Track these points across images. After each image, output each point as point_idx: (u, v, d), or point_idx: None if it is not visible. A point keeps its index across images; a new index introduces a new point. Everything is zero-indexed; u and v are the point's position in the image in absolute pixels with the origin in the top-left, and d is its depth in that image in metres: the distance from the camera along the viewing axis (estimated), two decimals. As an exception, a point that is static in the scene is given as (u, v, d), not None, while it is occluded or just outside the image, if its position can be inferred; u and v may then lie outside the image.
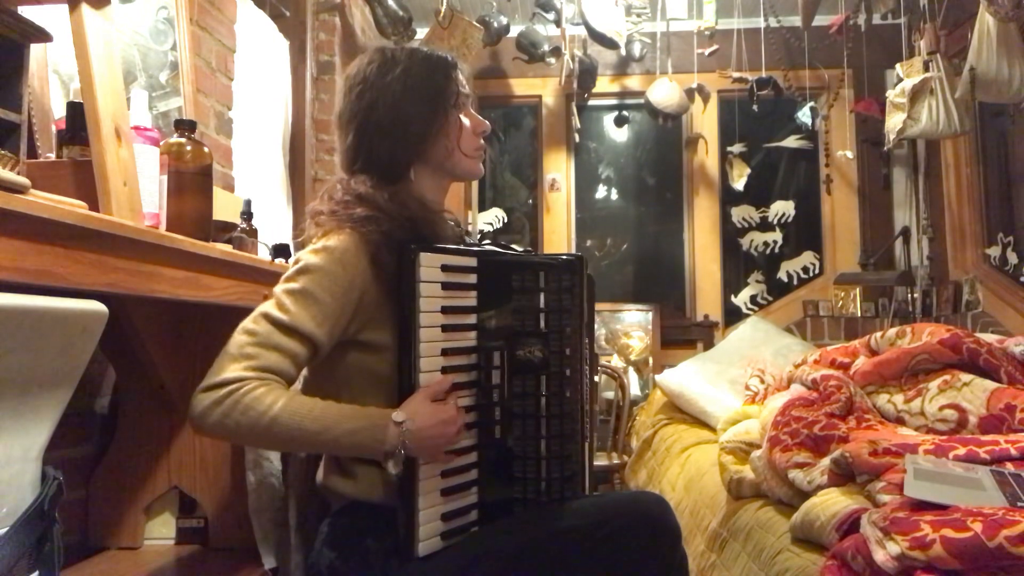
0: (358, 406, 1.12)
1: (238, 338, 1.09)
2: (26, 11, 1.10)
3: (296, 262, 1.16)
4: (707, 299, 4.16)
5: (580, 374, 1.26)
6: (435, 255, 1.15)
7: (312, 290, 1.11)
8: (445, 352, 1.16)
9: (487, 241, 1.46)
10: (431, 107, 1.25)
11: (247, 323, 1.10)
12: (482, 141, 1.36)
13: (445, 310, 1.16)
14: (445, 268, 1.16)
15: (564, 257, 1.25)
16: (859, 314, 3.89)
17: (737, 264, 4.30)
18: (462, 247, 1.26)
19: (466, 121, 1.32)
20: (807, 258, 4.23)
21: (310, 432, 1.06)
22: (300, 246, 1.22)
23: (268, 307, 1.11)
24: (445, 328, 1.16)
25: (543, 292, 1.20)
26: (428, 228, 1.21)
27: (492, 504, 1.20)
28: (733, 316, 4.15)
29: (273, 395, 1.05)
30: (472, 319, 1.20)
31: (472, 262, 1.20)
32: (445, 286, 1.16)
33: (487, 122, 1.37)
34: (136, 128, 1.33)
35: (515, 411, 1.19)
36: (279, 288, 1.13)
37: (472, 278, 1.20)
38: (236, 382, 1.04)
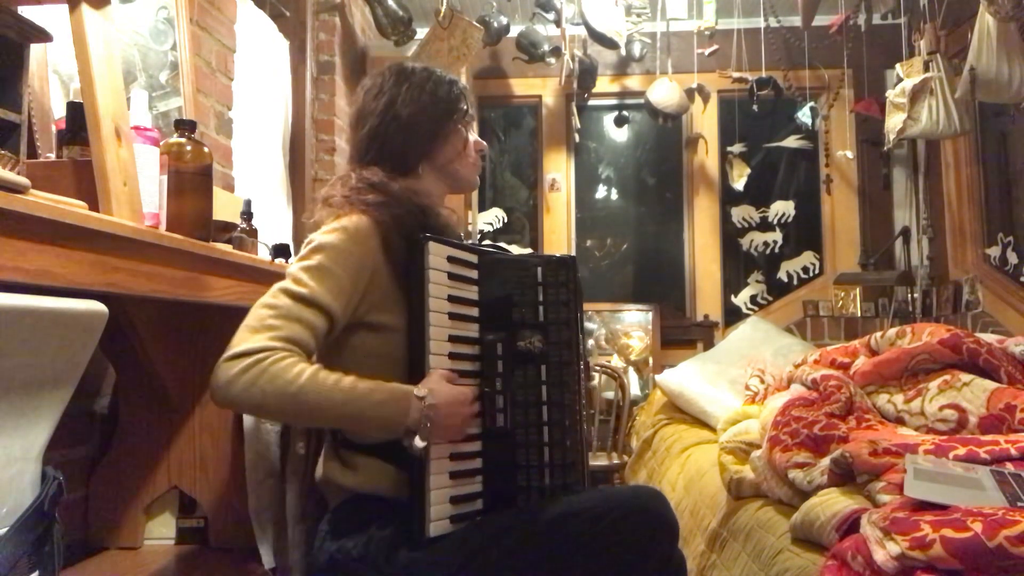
0: (380, 381, 1.14)
1: (259, 311, 1.11)
2: (26, 11, 1.10)
3: (310, 242, 1.20)
4: (707, 299, 4.16)
5: (576, 365, 1.30)
6: (442, 246, 1.21)
7: (328, 265, 1.15)
8: (452, 339, 1.21)
9: (486, 242, 1.50)
10: (445, 113, 1.35)
11: (266, 298, 1.13)
12: (481, 160, 1.45)
13: (451, 299, 1.21)
14: (451, 259, 1.22)
15: (558, 256, 1.32)
16: (859, 314, 3.89)
17: (737, 264, 4.30)
18: (465, 243, 1.31)
19: (470, 138, 1.41)
20: (807, 258, 4.23)
21: (336, 402, 1.08)
22: (312, 227, 1.26)
23: (285, 284, 1.14)
24: (452, 316, 1.21)
25: (541, 286, 1.26)
26: (435, 219, 1.26)
27: (497, 492, 1.22)
28: (733, 316, 4.15)
29: (300, 365, 1.07)
30: (475, 312, 1.25)
31: (474, 258, 1.26)
32: (451, 276, 1.22)
33: (485, 144, 1.47)
34: (136, 128, 1.33)
35: (517, 400, 1.23)
36: (294, 267, 1.16)
37: (474, 273, 1.26)
38: (263, 351, 1.06)
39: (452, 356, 1.20)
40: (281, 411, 1.09)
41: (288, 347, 1.08)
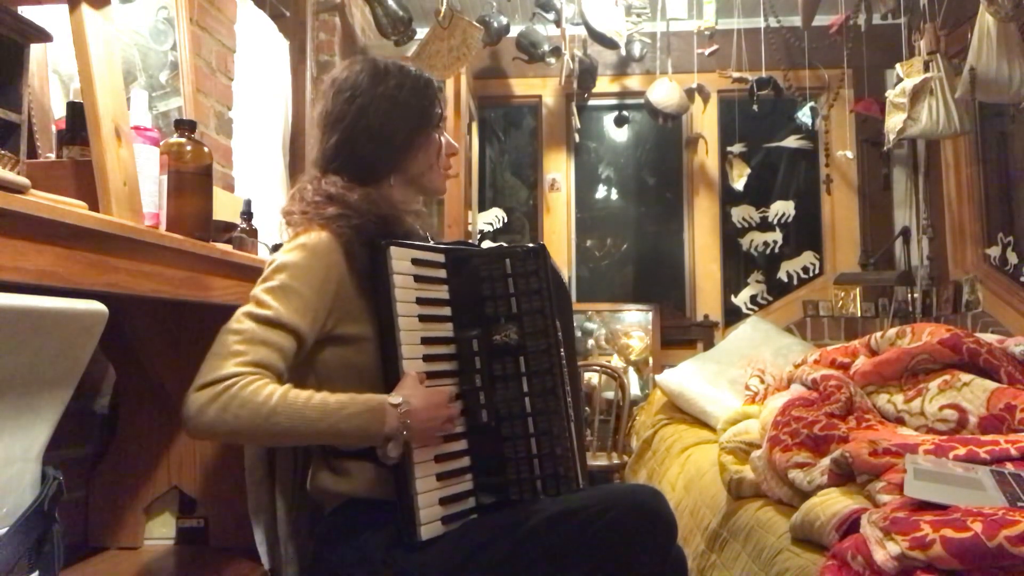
0: (354, 393, 1.13)
1: (224, 338, 1.09)
2: (26, 11, 1.10)
3: (271, 263, 1.18)
4: (707, 299, 4.16)
5: (556, 352, 1.29)
6: (405, 249, 1.21)
7: (290, 284, 1.14)
8: (425, 341, 1.20)
9: (480, 238, 1.49)
10: (418, 123, 1.31)
11: (230, 324, 1.11)
12: (452, 161, 1.42)
13: (420, 301, 1.21)
14: (416, 262, 1.22)
15: (527, 245, 1.31)
16: (859, 314, 3.89)
17: (737, 264, 4.30)
18: (429, 244, 1.30)
19: (443, 140, 1.38)
20: (807, 258, 4.23)
21: (310, 419, 1.07)
22: (275, 248, 1.25)
23: (249, 307, 1.13)
24: (422, 318, 1.21)
25: (511, 277, 1.26)
26: (398, 226, 1.25)
27: (488, 489, 1.22)
28: (733, 316, 4.15)
29: (270, 387, 1.06)
30: (447, 311, 1.25)
31: (440, 257, 1.26)
32: (418, 279, 1.21)
33: (457, 145, 1.44)
34: (136, 128, 1.33)
35: (498, 394, 1.23)
36: (257, 289, 1.15)
37: (442, 272, 1.26)
38: (231, 377, 1.05)
39: (427, 358, 1.20)
40: (255, 435, 1.08)
41: (256, 371, 1.07)
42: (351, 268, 1.20)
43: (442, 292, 1.25)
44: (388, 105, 1.27)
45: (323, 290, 1.16)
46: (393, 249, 1.19)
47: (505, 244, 1.36)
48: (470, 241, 1.40)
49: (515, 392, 1.24)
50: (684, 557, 1.26)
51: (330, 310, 1.17)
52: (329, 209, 1.20)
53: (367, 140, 1.27)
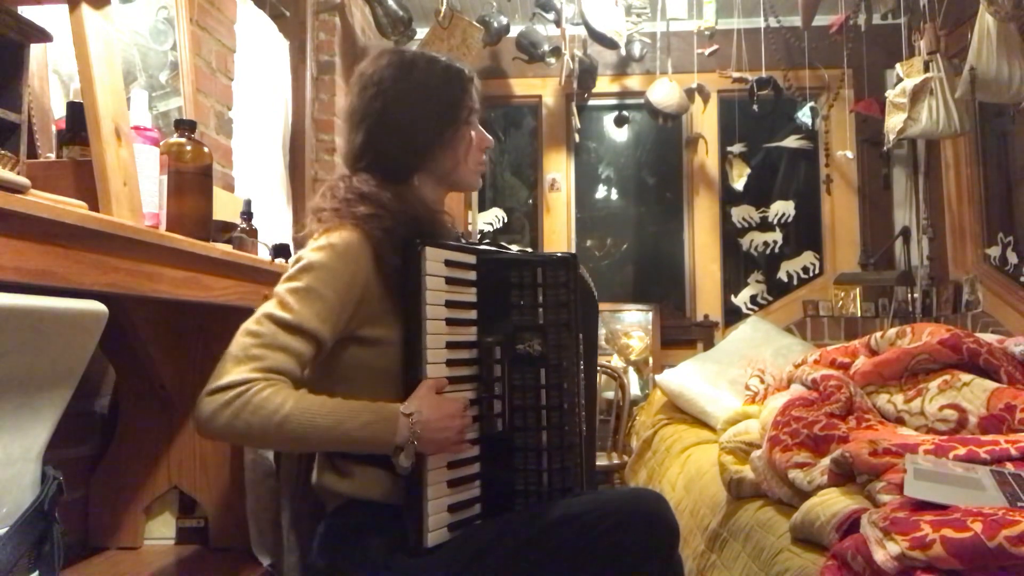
0: (367, 401, 1.12)
1: (242, 340, 1.08)
2: (26, 11, 1.10)
3: (298, 260, 1.15)
4: (707, 299, 4.16)
5: (576, 368, 1.27)
6: (439, 250, 1.18)
7: (316, 287, 1.11)
8: (450, 345, 1.18)
9: (487, 240, 1.46)
10: (444, 120, 1.27)
11: (250, 324, 1.09)
12: (485, 156, 1.38)
13: (449, 304, 1.18)
14: (448, 263, 1.19)
15: (559, 255, 1.28)
16: (859, 314, 3.89)
17: (737, 264, 4.30)
18: (463, 244, 1.27)
19: (474, 136, 1.33)
20: (807, 258, 4.23)
21: (322, 428, 1.06)
22: (301, 242, 1.23)
23: (271, 307, 1.10)
24: (449, 322, 1.18)
25: (541, 287, 1.23)
26: (429, 227, 1.22)
27: (495, 496, 1.21)
28: (733, 316, 4.15)
29: (283, 394, 1.05)
30: (473, 315, 1.22)
31: (472, 259, 1.23)
32: (449, 281, 1.19)
33: (492, 138, 1.39)
34: (136, 128, 1.33)
35: (516, 404, 1.21)
36: (282, 287, 1.13)
37: (472, 275, 1.23)
38: (244, 383, 1.04)
39: (450, 363, 1.18)
40: (266, 442, 1.08)
41: (270, 377, 1.06)
42: (379, 270, 1.17)
43: (470, 295, 1.22)
44: (413, 101, 1.24)
45: (348, 295, 1.14)
46: (428, 250, 1.15)
47: (538, 252, 1.33)
48: (504, 245, 1.36)
49: (532, 403, 1.21)
50: (681, 563, 1.26)
51: (353, 314, 1.15)
52: (361, 208, 1.18)
53: (391, 140, 1.24)
